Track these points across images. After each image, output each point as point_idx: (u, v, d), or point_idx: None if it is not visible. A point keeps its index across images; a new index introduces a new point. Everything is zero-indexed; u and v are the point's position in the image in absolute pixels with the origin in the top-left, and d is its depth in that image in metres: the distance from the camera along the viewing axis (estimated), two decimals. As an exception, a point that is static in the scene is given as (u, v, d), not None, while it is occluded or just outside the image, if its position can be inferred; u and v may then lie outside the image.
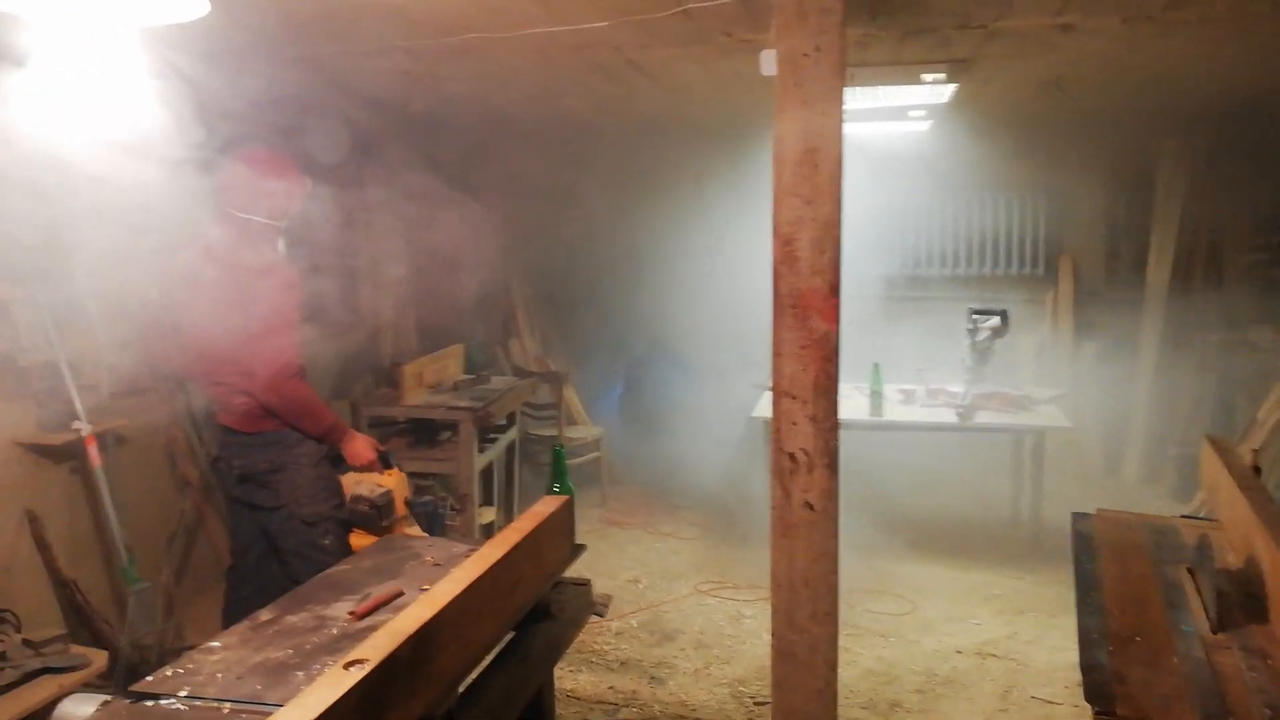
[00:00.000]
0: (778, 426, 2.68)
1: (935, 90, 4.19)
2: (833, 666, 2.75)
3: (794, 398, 2.66)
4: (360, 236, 4.03)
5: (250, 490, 3.19)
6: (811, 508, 2.68)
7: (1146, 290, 6.05)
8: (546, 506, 2.36)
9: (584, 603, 2.52)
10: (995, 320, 4.75)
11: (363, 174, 3.36)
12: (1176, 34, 3.24)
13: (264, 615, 2.07)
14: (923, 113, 5.01)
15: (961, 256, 6.57)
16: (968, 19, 2.98)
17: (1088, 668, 1.79)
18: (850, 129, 2.50)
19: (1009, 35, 3.20)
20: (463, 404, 4.47)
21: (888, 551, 4.81)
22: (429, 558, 2.45)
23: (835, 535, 2.70)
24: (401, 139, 4.50)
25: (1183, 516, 2.69)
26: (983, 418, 4.78)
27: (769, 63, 2.53)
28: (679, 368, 6.79)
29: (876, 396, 4.85)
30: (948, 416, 4.80)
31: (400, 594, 2.16)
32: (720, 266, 6.49)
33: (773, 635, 2.75)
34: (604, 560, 4.85)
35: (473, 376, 5.09)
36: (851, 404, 4.58)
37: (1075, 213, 6.38)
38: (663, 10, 2.75)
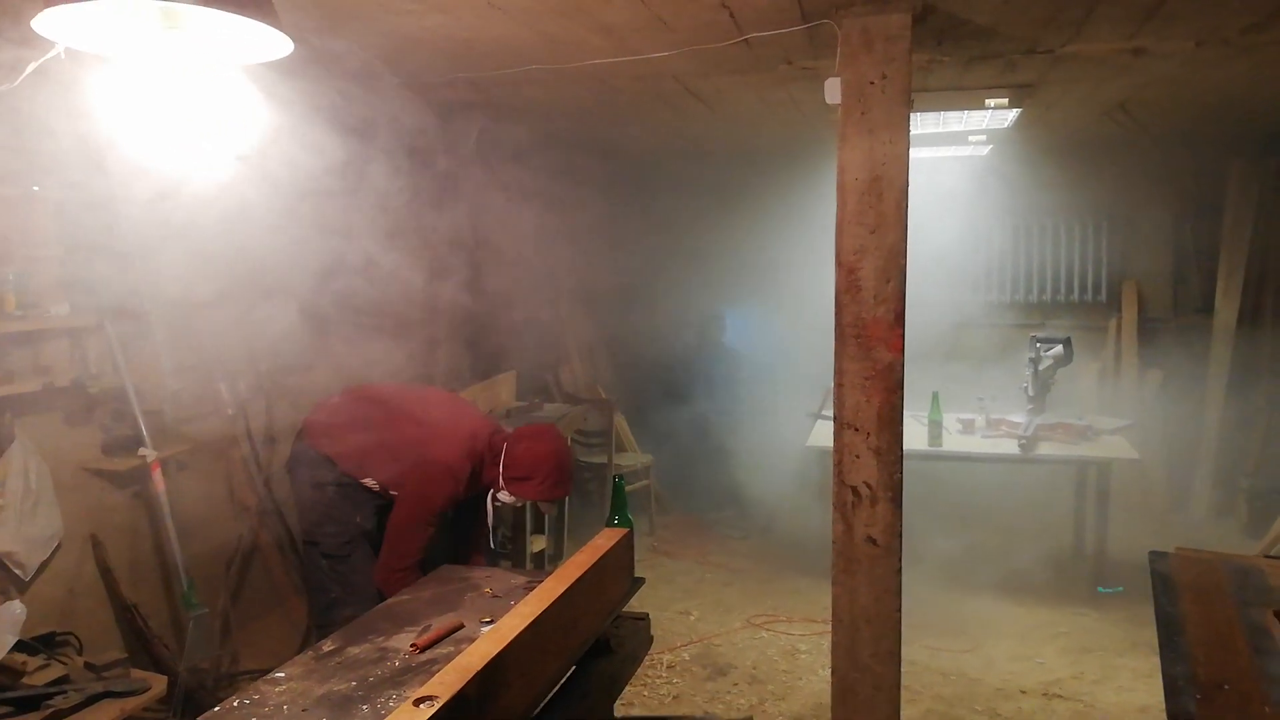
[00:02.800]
0: (839, 459, 2.63)
1: (997, 115, 4.13)
2: (896, 706, 2.68)
3: (857, 429, 2.60)
4: (420, 257, 4.11)
5: None
6: (875, 543, 2.62)
7: (1215, 318, 5.87)
8: (607, 540, 2.32)
9: (642, 637, 2.47)
10: (1059, 348, 4.63)
11: (439, 198, 3.43)
12: (1251, 56, 3.15)
13: (327, 645, 2.06)
14: (983, 137, 4.94)
15: (1021, 283, 6.45)
16: (1036, 44, 2.92)
17: (1175, 716, 1.70)
18: (910, 154, 2.46)
19: (1077, 60, 3.14)
20: (516, 431, 4.46)
21: (947, 585, 4.69)
22: (488, 589, 2.43)
23: (899, 571, 2.63)
24: (467, 165, 4.56)
25: (1267, 556, 2.58)
26: (1046, 449, 4.66)
27: (833, 91, 2.50)
28: (730, 394, 6.73)
29: (935, 426, 4.75)
30: (1009, 447, 4.68)
31: (461, 626, 2.14)
32: (775, 293, 6.45)
33: (833, 673, 2.68)
34: (654, 591, 4.79)
35: (524, 403, 5.10)
36: (909, 433, 4.46)
37: (1139, 238, 6.23)
38: (724, 39, 2.74)
